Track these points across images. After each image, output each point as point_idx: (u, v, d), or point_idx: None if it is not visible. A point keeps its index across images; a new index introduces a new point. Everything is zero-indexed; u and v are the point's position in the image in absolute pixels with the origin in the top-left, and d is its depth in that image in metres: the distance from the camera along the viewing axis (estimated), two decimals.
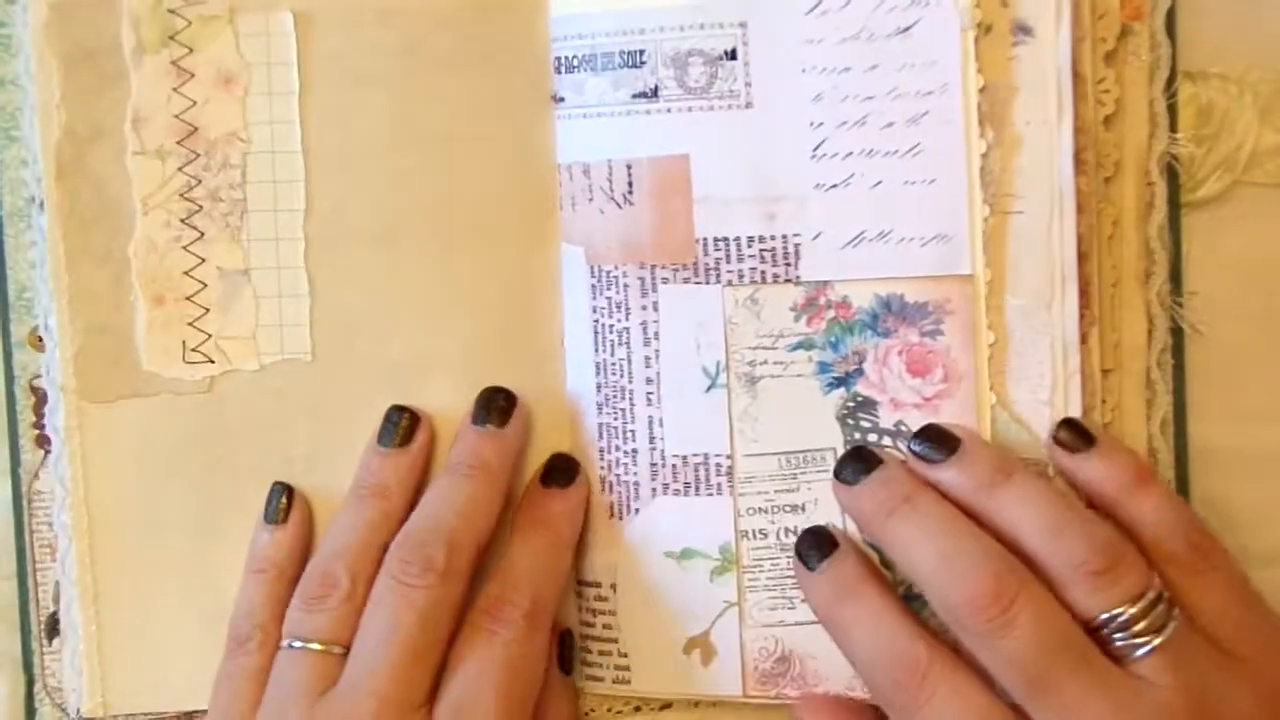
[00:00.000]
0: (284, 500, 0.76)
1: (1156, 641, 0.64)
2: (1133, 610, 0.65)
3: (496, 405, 0.75)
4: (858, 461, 0.71)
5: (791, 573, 0.74)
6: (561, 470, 0.76)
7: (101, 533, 0.77)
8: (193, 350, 0.76)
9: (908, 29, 0.71)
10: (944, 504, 0.69)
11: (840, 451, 0.73)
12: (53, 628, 0.78)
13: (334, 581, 0.71)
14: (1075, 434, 0.70)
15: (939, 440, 0.70)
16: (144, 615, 0.78)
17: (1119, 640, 0.65)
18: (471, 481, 0.73)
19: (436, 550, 0.70)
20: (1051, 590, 0.66)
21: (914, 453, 0.71)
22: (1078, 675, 0.64)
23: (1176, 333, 0.74)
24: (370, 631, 0.70)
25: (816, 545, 0.72)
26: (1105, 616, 0.65)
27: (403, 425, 0.75)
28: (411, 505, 0.74)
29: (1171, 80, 0.73)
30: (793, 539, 0.74)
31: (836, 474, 0.72)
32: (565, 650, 0.77)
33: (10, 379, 0.78)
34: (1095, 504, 0.70)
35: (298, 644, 0.71)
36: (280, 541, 0.75)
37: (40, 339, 0.77)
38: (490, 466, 0.73)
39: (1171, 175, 0.74)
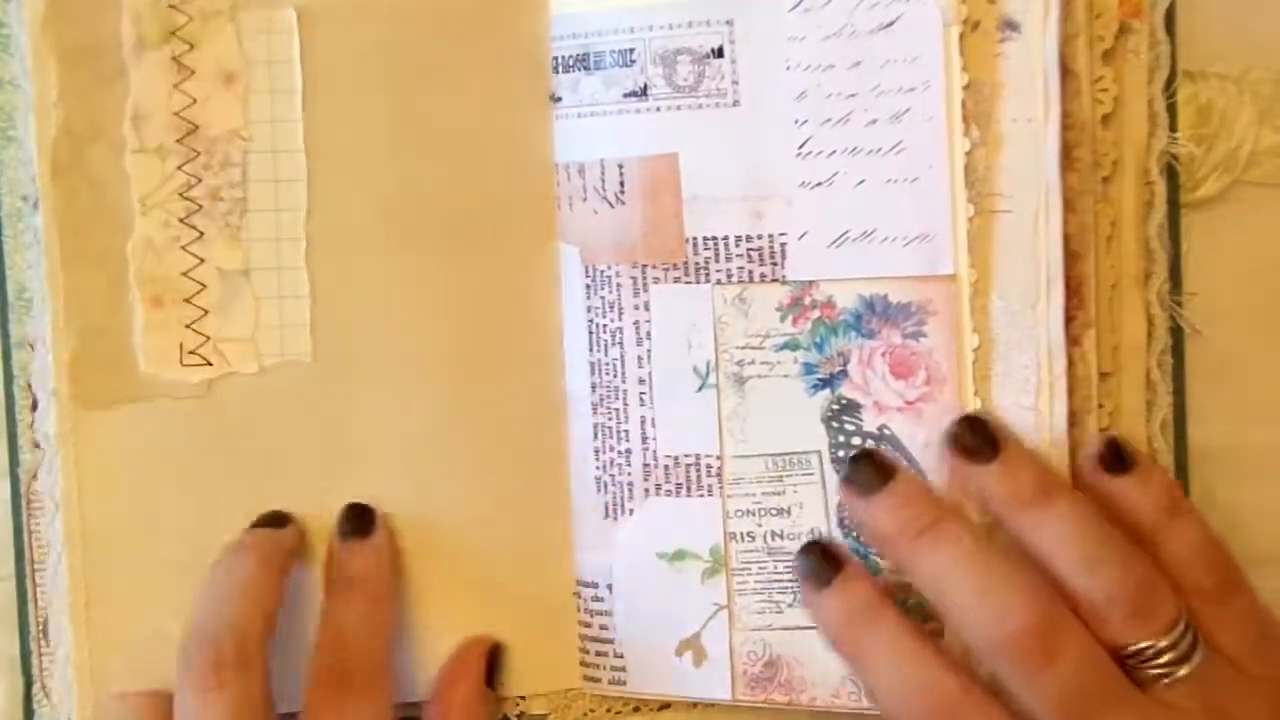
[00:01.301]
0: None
1: (1183, 671, 0.64)
2: (1163, 643, 0.64)
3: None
4: (873, 469, 0.69)
5: (779, 577, 0.73)
6: (354, 519, 0.75)
7: (94, 542, 0.76)
8: (191, 353, 0.75)
9: (890, 25, 0.70)
10: (975, 529, 0.67)
11: (825, 454, 0.73)
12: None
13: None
14: (1118, 456, 0.69)
15: (988, 439, 0.68)
16: (138, 627, 0.76)
17: (1146, 669, 0.64)
18: (236, 566, 0.72)
19: (221, 650, 0.68)
20: (1080, 618, 0.65)
21: (958, 445, 0.69)
22: (1115, 710, 0.63)
23: (1176, 333, 0.74)
24: None
25: (824, 563, 0.70)
26: (1136, 649, 0.64)
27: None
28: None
29: (1171, 79, 0.72)
30: (780, 542, 0.73)
31: (849, 480, 0.70)
32: (491, 668, 0.76)
33: (10, 379, 0.77)
34: (1125, 526, 0.68)
35: None
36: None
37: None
38: (248, 542, 0.73)
39: (1171, 175, 0.73)
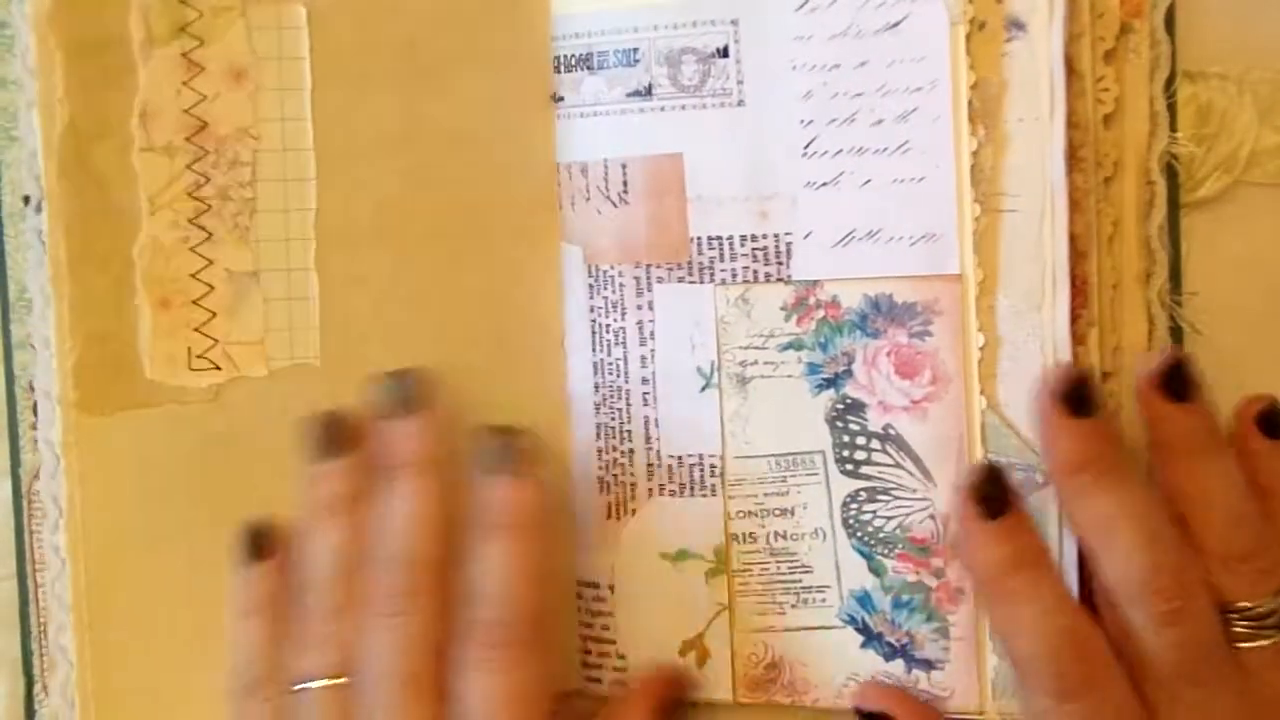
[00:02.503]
0: (258, 537, 0.73)
1: (1268, 640, 0.66)
2: (1268, 606, 0.66)
3: (403, 388, 0.71)
4: (1082, 393, 0.68)
5: (782, 578, 0.74)
6: (506, 450, 0.70)
7: (97, 553, 0.75)
8: (199, 357, 0.75)
9: (896, 25, 0.70)
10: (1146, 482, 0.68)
11: (829, 455, 0.73)
12: None
13: (321, 615, 0.70)
14: (1275, 423, 0.70)
15: (1190, 382, 0.68)
16: (141, 641, 0.76)
17: (1242, 626, 0.66)
18: (407, 484, 0.70)
19: (397, 574, 0.69)
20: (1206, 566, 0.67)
21: (1162, 383, 0.68)
22: (1222, 674, 0.65)
23: (1176, 333, 0.73)
24: (365, 668, 0.69)
25: (1002, 493, 0.68)
26: (1245, 605, 0.66)
27: (333, 433, 0.72)
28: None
29: (1171, 79, 0.72)
30: (782, 543, 0.73)
31: (1055, 394, 0.68)
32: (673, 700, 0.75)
33: (10, 379, 0.77)
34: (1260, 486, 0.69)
35: (299, 686, 0.70)
36: (262, 579, 0.73)
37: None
38: (418, 458, 0.70)
39: (1171, 175, 0.73)
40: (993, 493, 0.68)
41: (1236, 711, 0.65)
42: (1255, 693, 0.66)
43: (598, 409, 0.76)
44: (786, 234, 0.72)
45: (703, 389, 0.74)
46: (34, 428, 0.76)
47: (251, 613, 0.72)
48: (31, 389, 0.76)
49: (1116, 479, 0.67)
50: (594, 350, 0.76)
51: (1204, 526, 0.67)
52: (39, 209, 0.74)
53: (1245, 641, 0.66)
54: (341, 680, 0.69)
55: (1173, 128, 0.73)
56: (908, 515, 0.72)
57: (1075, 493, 0.68)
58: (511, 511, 0.70)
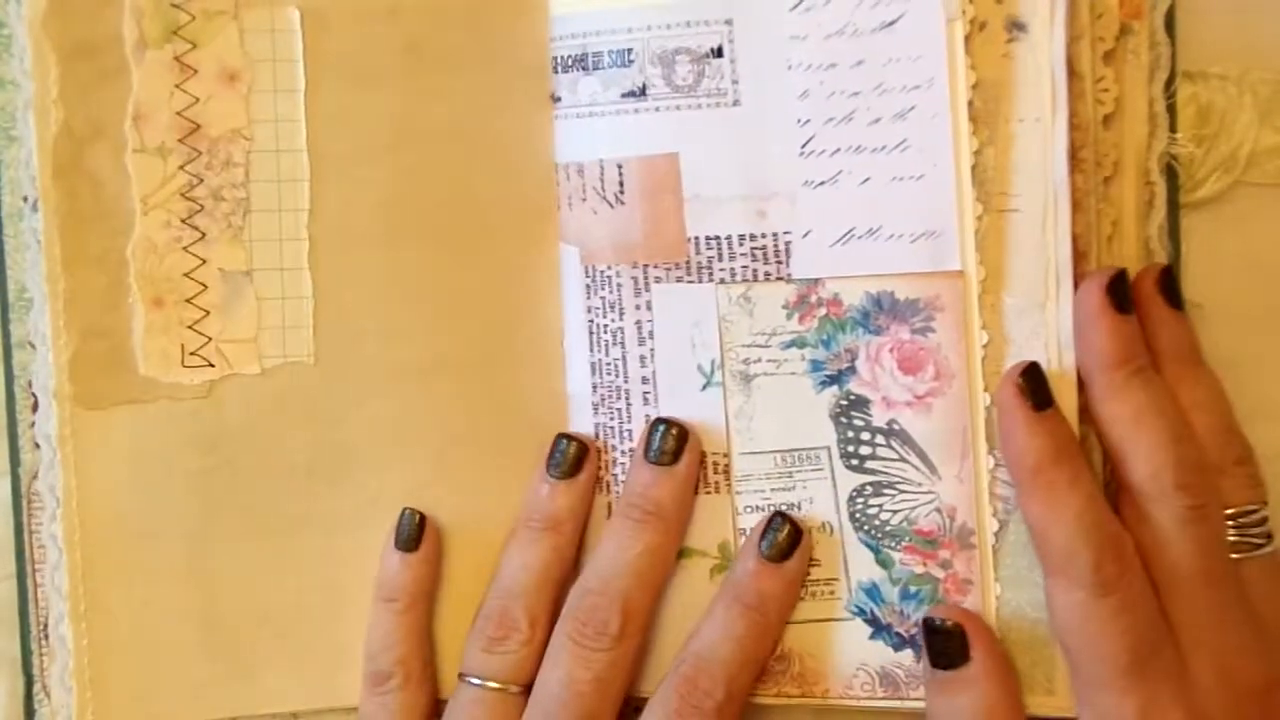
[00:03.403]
0: (415, 526, 0.75)
1: (1269, 547, 0.69)
2: (1263, 511, 0.69)
3: (668, 439, 0.73)
4: (1121, 293, 0.70)
5: None
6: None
7: (94, 544, 0.75)
8: (192, 354, 0.75)
9: (892, 24, 0.70)
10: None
11: (834, 450, 0.73)
12: None
13: (513, 624, 0.73)
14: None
15: (1176, 293, 0.71)
16: (137, 629, 0.76)
17: (1239, 535, 0.69)
18: (646, 530, 0.73)
19: (611, 615, 0.71)
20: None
21: (1162, 290, 0.71)
22: (1234, 579, 0.68)
23: None
24: (546, 689, 0.72)
25: (1044, 389, 0.69)
26: (1249, 509, 0.69)
27: (570, 454, 0.75)
28: (583, 534, 0.75)
29: (1171, 80, 0.72)
30: None
31: (1109, 288, 0.69)
32: None
33: (10, 379, 0.76)
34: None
35: (476, 681, 0.73)
36: (413, 568, 0.75)
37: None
38: (665, 511, 0.73)
39: (1171, 175, 0.73)
40: (1037, 385, 0.69)
41: (1248, 618, 0.67)
42: (1255, 602, 0.68)
43: (596, 409, 0.76)
44: (786, 233, 0.72)
45: (704, 388, 0.74)
46: (33, 426, 0.76)
47: (389, 599, 0.75)
48: (31, 388, 0.76)
49: (1148, 379, 0.69)
50: (591, 350, 0.76)
51: (1207, 430, 0.69)
52: (35, 208, 0.74)
53: (1253, 550, 0.68)
54: (512, 689, 0.73)
55: (1172, 128, 0.73)
56: (914, 508, 0.72)
57: (1110, 387, 0.69)
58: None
